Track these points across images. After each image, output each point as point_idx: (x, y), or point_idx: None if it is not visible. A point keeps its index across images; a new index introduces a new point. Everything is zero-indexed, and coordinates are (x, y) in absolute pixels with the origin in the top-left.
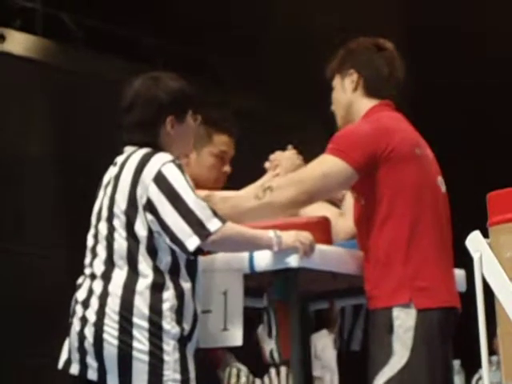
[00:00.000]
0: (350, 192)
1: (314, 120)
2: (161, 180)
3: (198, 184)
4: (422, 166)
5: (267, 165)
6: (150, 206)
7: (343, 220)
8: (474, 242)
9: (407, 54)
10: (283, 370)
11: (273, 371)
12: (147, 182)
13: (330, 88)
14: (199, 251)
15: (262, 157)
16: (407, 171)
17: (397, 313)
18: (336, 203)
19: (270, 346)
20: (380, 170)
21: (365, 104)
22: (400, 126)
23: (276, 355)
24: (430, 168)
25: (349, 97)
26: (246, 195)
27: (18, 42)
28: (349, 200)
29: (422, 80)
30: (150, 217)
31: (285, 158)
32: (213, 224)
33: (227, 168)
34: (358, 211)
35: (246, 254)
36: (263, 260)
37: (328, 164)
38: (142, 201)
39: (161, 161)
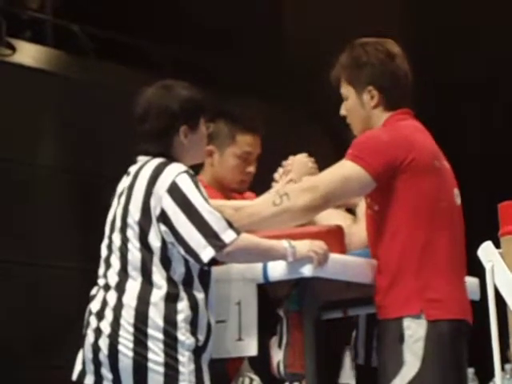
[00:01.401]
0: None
1: (316, 124)
2: (175, 191)
3: (222, 185)
4: (440, 178)
5: (276, 176)
6: (164, 217)
7: (358, 227)
8: (486, 252)
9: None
10: None
11: None
12: (161, 192)
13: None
14: (213, 262)
15: (270, 161)
16: (425, 183)
17: (407, 323)
18: (351, 208)
19: (278, 357)
20: (397, 179)
21: (384, 116)
22: (419, 135)
23: (282, 368)
24: (447, 180)
25: (368, 112)
26: (263, 203)
27: (29, 53)
28: (364, 206)
29: (429, 81)
30: (163, 228)
31: (297, 162)
32: (227, 235)
33: (252, 169)
34: (371, 218)
35: (259, 264)
36: (277, 270)
37: (347, 170)
38: (155, 212)
39: (175, 171)
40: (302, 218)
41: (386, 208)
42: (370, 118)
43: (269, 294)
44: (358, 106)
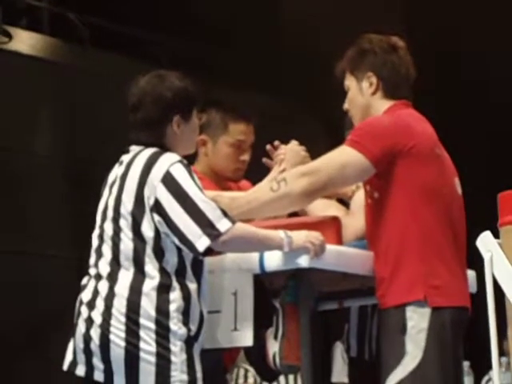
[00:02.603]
0: (359, 191)
1: (313, 114)
2: (169, 181)
3: (216, 174)
4: (441, 166)
5: (265, 160)
6: (158, 207)
7: (351, 219)
8: (485, 242)
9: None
10: (291, 378)
11: (282, 379)
12: (155, 182)
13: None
14: (209, 252)
15: (268, 154)
16: (425, 169)
17: (410, 313)
18: (344, 200)
19: (273, 349)
20: (398, 165)
21: (383, 105)
22: (420, 123)
23: (277, 359)
24: (447, 169)
25: (367, 99)
26: (260, 189)
27: (25, 41)
28: (358, 199)
29: (432, 77)
30: (157, 218)
31: (289, 150)
32: (223, 224)
33: (245, 157)
34: (370, 207)
35: (256, 255)
36: (273, 260)
37: (346, 156)
38: (149, 202)
39: (169, 161)
40: (301, 202)
41: (386, 195)
42: (370, 106)
43: (265, 285)
44: (358, 94)
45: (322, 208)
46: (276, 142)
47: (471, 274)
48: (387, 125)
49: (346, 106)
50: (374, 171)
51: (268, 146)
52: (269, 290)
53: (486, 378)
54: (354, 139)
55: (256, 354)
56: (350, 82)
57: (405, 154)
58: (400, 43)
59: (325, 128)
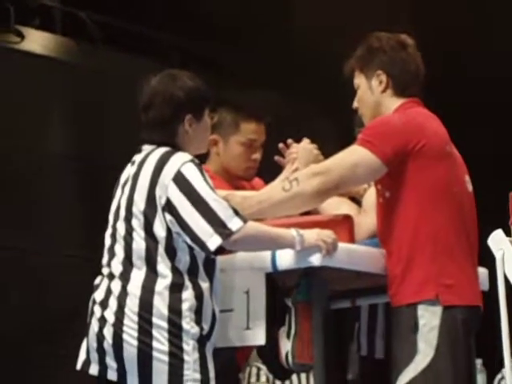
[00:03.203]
0: (371, 188)
1: (325, 114)
2: (181, 180)
3: (228, 173)
4: (452, 164)
5: (277, 158)
6: (170, 207)
7: (363, 217)
8: (497, 240)
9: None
10: (303, 376)
11: (294, 377)
12: (166, 182)
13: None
14: (220, 251)
15: (280, 153)
16: (437, 168)
17: (422, 312)
18: (356, 199)
19: (286, 347)
20: (409, 164)
21: (393, 103)
22: (431, 122)
23: (290, 358)
24: (458, 166)
25: (377, 97)
26: (272, 189)
27: (37, 41)
28: (370, 197)
29: (441, 74)
30: (169, 217)
31: (301, 149)
32: (234, 223)
33: (257, 155)
34: (381, 206)
35: (268, 253)
36: (286, 259)
37: (357, 155)
38: (161, 201)
39: (180, 161)
40: (313, 202)
41: (397, 194)
42: (380, 104)
43: (277, 284)
44: (368, 92)
45: (335, 206)
46: (289, 141)
47: (483, 271)
48: (398, 124)
49: (355, 104)
50: (386, 170)
51: (281, 145)
52: (281, 289)
53: (498, 377)
54: (365, 138)
55: (269, 353)
56: (359, 80)
57: (416, 153)
58: (409, 41)
59: (336, 127)
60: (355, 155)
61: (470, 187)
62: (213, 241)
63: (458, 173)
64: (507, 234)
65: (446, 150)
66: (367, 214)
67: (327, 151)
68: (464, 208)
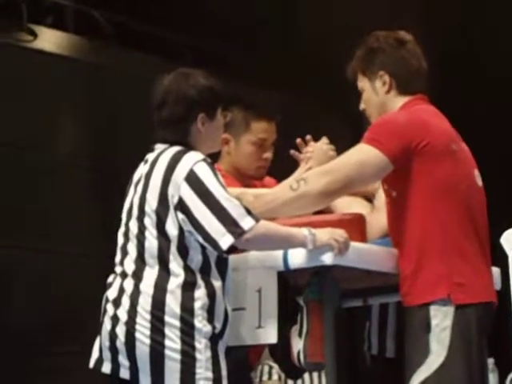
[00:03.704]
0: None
1: (337, 113)
2: (193, 179)
3: (239, 172)
4: (458, 160)
5: (293, 152)
6: (182, 206)
7: (376, 216)
8: (509, 239)
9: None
10: (315, 375)
11: (306, 376)
12: (179, 181)
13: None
14: (233, 250)
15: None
16: (442, 166)
17: (434, 312)
18: (369, 198)
19: (298, 346)
20: (414, 162)
21: (398, 102)
22: (436, 120)
23: (302, 357)
24: (466, 162)
25: (382, 98)
26: (281, 189)
27: (50, 39)
28: (381, 195)
29: (449, 72)
30: (181, 216)
31: (317, 149)
32: (246, 222)
33: (268, 154)
34: (389, 205)
35: (280, 252)
36: (298, 258)
37: (364, 153)
38: (173, 200)
39: (192, 160)
40: (320, 202)
41: (404, 193)
42: (385, 104)
43: (289, 283)
44: (373, 94)
45: (347, 205)
46: (308, 137)
47: (496, 270)
48: (403, 121)
49: (362, 106)
50: (392, 168)
51: (298, 140)
52: (293, 288)
53: (510, 376)
54: (370, 136)
55: (280, 352)
56: (363, 83)
57: (420, 151)
58: (407, 37)
59: (349, 127)
60: (362, 153)
61: (479, 182)
62: (225, 240)
63: (465, 170)
64: None
65: (451, 147)
66: (379, 213)
67: (339, 150)
68: (473, 204)
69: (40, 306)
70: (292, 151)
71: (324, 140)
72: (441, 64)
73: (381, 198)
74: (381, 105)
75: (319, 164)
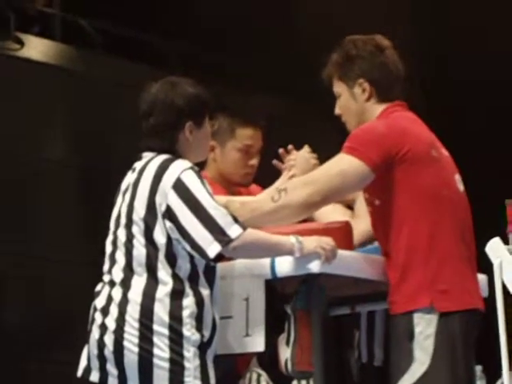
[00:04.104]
0: (361, 194)
1: (327, 118)
2: (180, 187)
3: (225, 179)
4: (439, 167)
5: (275, 162)
6: (170, 214)
7: (355, 223)
8: (494, 248)
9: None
10: (303, 383)
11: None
12: (166, 189)
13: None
14: (220, 258)
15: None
16: (423, 173)
17: (417, 320)
18: (349, 205)
19: (286, 355)
20: (395, 170)
21: (377, 109)
22: (415, 126)
23: (289, 365)
24: (446, 168)
25: (361, 105)
26: (263, 199)
27: (37, 48)
28: (361, 202)
29: (440, 77)
30: (169, 224)
31: (300, 157)
32: (233, 230)
33: (254, 161)
34: (373, 212)
35: (267, 260)
36: (285, 266)
37: (344, 163)
38: (161, 208)
39: (180, 168)
40: (301, 214)
41: (387, 201)
42: (364, 112)
43: (277, 291)
44: (351, 100)
45: (327, 212)
46: (289, 146)
47: (483, 278)
48: (382, 130)
49: (337, 111)
50: (373, 176)
51: (281, 150)
52: (280, 296)
53: (499, 383)
54: (350, 146)
55: (268, 360)
56: (340, 88)
57: (401, 159)
58: (385, 42)
59: (338, 133)
60: (342, 163)
61: (460, 187)
62: (212, 248)
63: (446, 175)
64: (505, 242)
65: (431, 154)
66: (359, 220)
67: (329, 157)
68: (456, 210)
69: (31, 313)
70: (274, 161)
71: (306, 148)
72: (436, 66)
73: (361, 204)
74: (360, 112)
75: (301, 172)
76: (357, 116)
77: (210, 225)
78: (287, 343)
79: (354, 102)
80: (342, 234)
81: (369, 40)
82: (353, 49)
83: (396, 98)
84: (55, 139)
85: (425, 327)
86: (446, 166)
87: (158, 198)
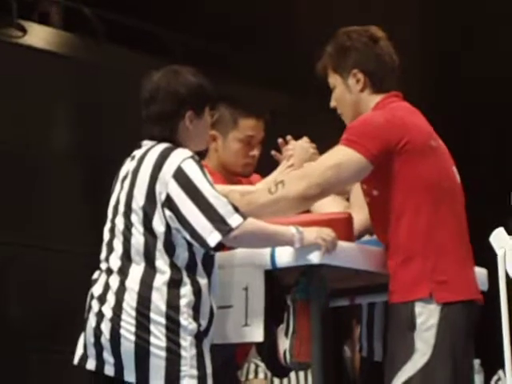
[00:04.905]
0: (357, 186)
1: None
2: (181, 176)
3: (226, 169)
4: (438, 157)
5: (274, 153)
6: (170, 203)
7: (352, 213)
8: (498, 238)
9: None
10: (301, 374)
11: (292, 375)
12: (167, 178)
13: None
14: (220, 247)
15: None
16: (423, 163)
17: (419, 309)
18: (344, 195)
19: (284, 345)
20: (395, 161)
21: (373, 100)
22: (413, 117)
23: (288, 356)
24: (445, 159)
25: (356, 96)
26: (261, 190)
27: (39, 35)
28: (357, 193)
29: (445, 73)
30: (168, 213)
31: (298, 147)
32: (234, 219)
33: (255, 152)
34: (371, 203)
35: (267, 250)
36: (285, 256)
37: (341, 155)
38: (160, 197)
39: (180, 157)
40: (298, 206)
41: (386, 192)
42: (359, 103)
43: (277, 282)
44: (346, 91)
45: (325, 203)
46: (288, 137)
47: (482, 271)
48: (381, 121)
49: (333, 103)
50: (371, 168)
51: (280, 140)
52: (281, 286)
53: (495, 378)
54: (348, 138)
55: (267, 350)
56: (334, 80)
57: (400, 150)
58: (380, 33)
59: (340, 127)
60: (340, 156)
61: (457, 178)
62: (213, 237)
63: (445, 166)
64: (509, 232)
65: (429, 144)
66: (354, 210)
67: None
68: (455, 200)
69: (34, 304)
70: (273, 152)
71: (305, 139)
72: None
73: (357, 195)
74: (355, 103)
75: (300, 161)
76: (352, 107)
77: (211, 214)
78: (286, 334)
79: (348, 94)
80: (343, 226)
81: (363, 31)
82: (347, 40)
83: (391, 89)
84: (57, 128)
85: (427, 318)
86: (444, 156)
87: (158, 187)
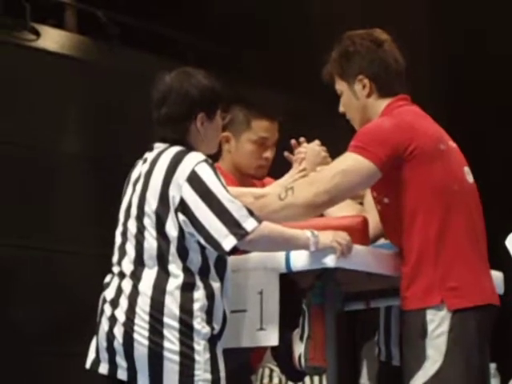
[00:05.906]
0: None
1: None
2: (195, 180)
3: (239, 171)
4: (448, 160)
5: (286, 154)
6: (183, 207)
7: (368, 218)
8: None
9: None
10: (316, 379)
11: (307, 379)
12: (181, 182)
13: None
14: (235, 251)
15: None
16: (432, 168)
17: (431, 316)
18: (359, 200)
19: (299, 350)
20: (404, 167)
21: (380, 105)
22: (421, 121)
23: (303, 360)
24: (455, 161)
25: (363, 102)
26: (271, 196)
27: (53, 39)
28: (370, 196)
29: (455, 75)
30: (182, 217)
31: (310, 150)
32: (249, 223)
33: (268, 154)
34: (382, 211)
35: (282, 254)
36: (300, 260)
37: (350, 162)
38: (174, 201)
39: (194, 160)
40: (307, 213)
41: (397, 199)
42: (367, 108)
43: (292, 285)
44: (353, 97)
45: (338, 208)
46: (301, 139)
47: (498, 275)
48: (389, 127)
49: (341, 109)
50: (380, 175)
51: (293, 141)
52: (296, 290)
53: None
54: (357, 145)
55: (282, 355)
56: (341, 86)
57: (409, 156)
58: (383, 36)
59: (351, 131)
60: (348, 162)
61: (470, 179)
62: (228, 241)
63: (455, 169)
64: None
65: (439, 148)
66: (369, 215)
67: (343, 151)
68: (468, 204)
69: (42, 306)
70: (286, 153)
71: (317, 142)
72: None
73: (370, 200)
74: (362, 108)
75: (312, 165)
76: (360, 113)
77: (226, 218)
78: (301, 338)
79: (355, 99)
80: (358, 229)
81: (367, 35)
82: (350, 45)
83: (398, 92)
84: (70, 131)
85: (438, 325)
86: (454, 159)
87: (172, 191)
